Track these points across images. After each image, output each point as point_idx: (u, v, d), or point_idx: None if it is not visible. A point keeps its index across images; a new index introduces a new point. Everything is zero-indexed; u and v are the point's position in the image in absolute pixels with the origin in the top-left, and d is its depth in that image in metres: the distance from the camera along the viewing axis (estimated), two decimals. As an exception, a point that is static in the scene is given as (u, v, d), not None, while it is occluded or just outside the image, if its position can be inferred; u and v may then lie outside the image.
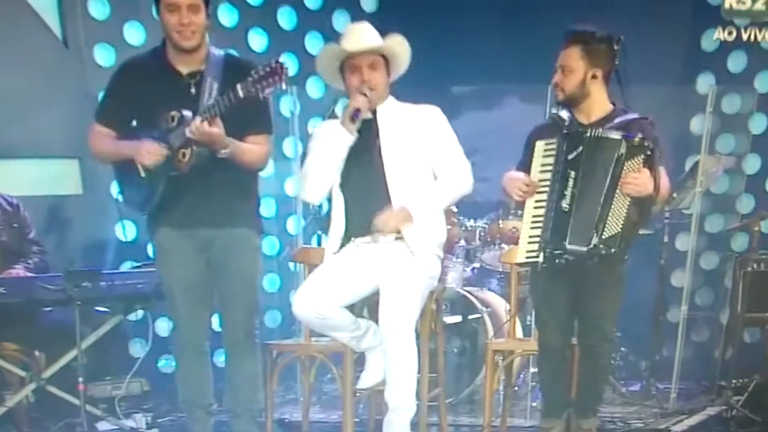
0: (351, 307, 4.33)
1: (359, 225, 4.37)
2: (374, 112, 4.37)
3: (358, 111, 4.27)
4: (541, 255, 4.18)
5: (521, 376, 5.57)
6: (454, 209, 5.71)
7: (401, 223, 4.28)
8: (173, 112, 4.14)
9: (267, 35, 6.66)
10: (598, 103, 4.27)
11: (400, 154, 4.33)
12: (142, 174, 4.20)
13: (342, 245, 4.41)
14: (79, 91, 5.86)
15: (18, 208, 5.31)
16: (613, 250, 4.10)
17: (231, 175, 4.22)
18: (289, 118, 6.02)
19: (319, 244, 5.73)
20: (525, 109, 5.57)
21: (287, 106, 6.13)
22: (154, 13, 4.29)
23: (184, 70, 4.25)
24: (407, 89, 4.51)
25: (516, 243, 4.43)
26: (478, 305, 5.62)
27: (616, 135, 4.11)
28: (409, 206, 4.30)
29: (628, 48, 4.23)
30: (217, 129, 4.05)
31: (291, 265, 6.12)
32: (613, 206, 4.10)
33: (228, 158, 4.15)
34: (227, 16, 6.57)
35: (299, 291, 4.32)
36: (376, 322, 4.21)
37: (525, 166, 4.30)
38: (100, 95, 4.49)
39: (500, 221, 5.99)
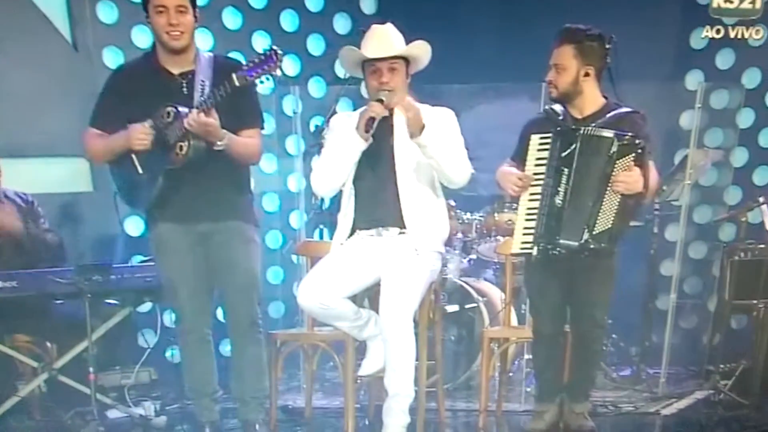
0: (353, 297, 4.35)
1: (366, 218, 4.41)
2: (391, 111, 4.32)
3: (372, 120, 4.22)
4: (535, 248, 4.25)
5: (516, 362, 5.59)
6: (452, 203, 5.72)
7: (420, 122, 4.21)
8: (168, 108, 4.18)
9: (270, 37, 6.68)
10: (591, 98, 4.33)
11: (412, 154, 4.33)
12: (140, 170, 4.25)
13: (349, 236, 4.43)
14: (88, 93, 5.62)
15: (32, 204, 5.36)
16: (603, 244, 4.18)
17: (226, 169, 4.26)
18: (291, 117, 6.05)
19: (321, 238, 5.83)
20: (520, 106, 5.63)
21: (290, 105, 6.17)
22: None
23: (175, 70, 4.29)
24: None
25: (511, 235, 4.47)
26: (475, 295, 5.66)
27: (608, 133, 4.16)
28: (416, 205, 4.32)
29: (619, 46, 4.29)
30: (214, 119, 4.09)
31: (294, 258, 6.16)
32: (604, 203, 4.16)
33: (224, 151, 4.17)
34: (231, 19, 6.64)
35: (303, 282, 4.35)
36: (377, 311, 4.25)
37: (519, 157, 4.35)
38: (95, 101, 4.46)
39: (496, 214, 6.00)
